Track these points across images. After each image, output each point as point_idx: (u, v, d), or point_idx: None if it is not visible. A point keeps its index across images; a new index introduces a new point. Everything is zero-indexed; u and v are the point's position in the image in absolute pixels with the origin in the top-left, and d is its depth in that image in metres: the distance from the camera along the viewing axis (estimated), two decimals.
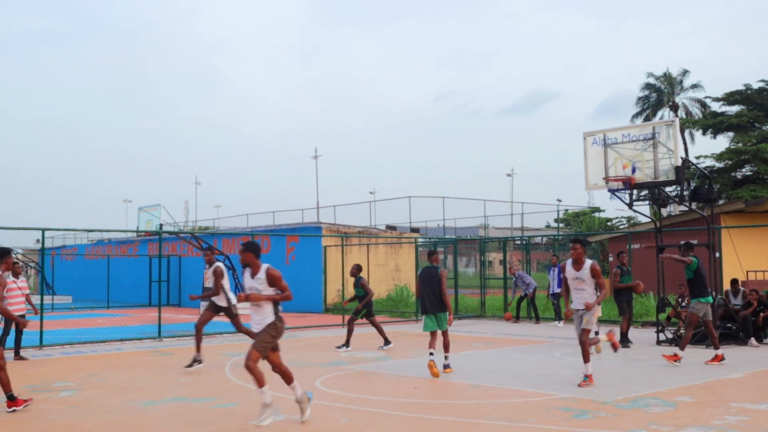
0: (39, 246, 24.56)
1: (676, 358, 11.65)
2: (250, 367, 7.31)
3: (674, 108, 51.99)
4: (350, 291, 27.13)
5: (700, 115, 49.57)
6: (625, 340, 14.47)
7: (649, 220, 19.84)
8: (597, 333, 10.74)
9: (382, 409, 8.19)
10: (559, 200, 63.95)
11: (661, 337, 15.03)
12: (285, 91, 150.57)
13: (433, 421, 7.59)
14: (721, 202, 30.38)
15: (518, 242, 35.41)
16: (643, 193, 15.49)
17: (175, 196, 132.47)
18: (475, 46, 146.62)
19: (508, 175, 63.88)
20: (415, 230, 34.25)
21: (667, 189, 15.88)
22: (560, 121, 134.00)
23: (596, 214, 43.69)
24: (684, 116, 50.80)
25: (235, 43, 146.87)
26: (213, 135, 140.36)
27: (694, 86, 52.20)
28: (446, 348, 11.08)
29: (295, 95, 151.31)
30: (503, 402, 8.59)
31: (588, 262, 9.86)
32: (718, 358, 11.73)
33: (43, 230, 16.62)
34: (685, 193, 15.31)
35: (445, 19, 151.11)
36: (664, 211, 20.52)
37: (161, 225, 29.16)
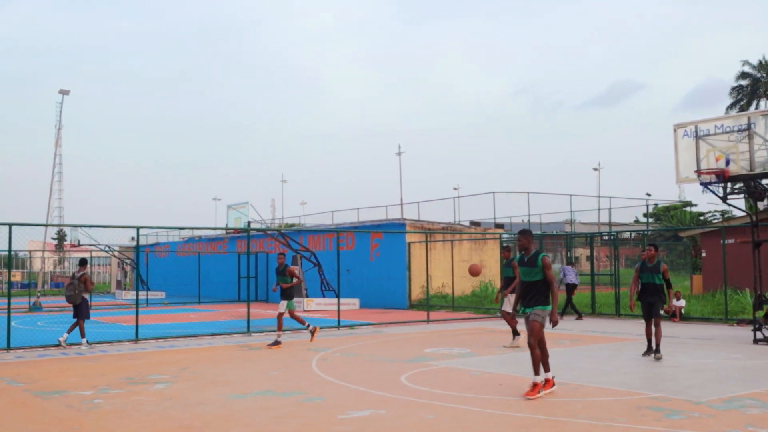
0: (134, 243, 25.47)
1: None
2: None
3: None
4: (434, 287, 27.20)
5: None
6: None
7: (744, 213, 19.04)
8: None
9: (468, 406, 8.15)
10: (648, 194, 61.95)
11: (758, 335, 14.43)
12: (368, 88, 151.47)
13: (519, 419, 7.50)
14: None
15: (605, 237, 34.62)
16: (738, 185, 14.88)
17: (263, 194, 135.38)
18: (555, 38, 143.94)
19: (595, 169, 62.34)
20: (499, 226, 33.91)
21: (764, 181, 15.25)
22: (646, 113, 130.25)
23: (688, 209, 42.29)
24: None
25: (318, 42, 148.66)
26: (298, 133, 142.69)
27: None
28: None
29: (378, 92, 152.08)
30: (592, 400, 8.42)
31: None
32: None
33: (138, 228, 17.23)
34: None
35: (524, 12, 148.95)
36: (761, 205, 19.64)
37: (249, 222, 29.84)
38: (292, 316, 14.83)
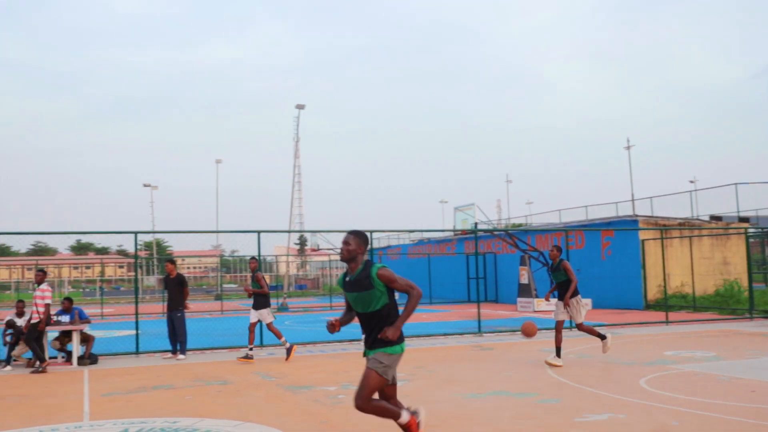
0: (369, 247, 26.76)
1: None
2: None
3: None
4: (672, 286, 25.73)
5: None
6: None
7: None
8: None
9: (717, 413, 7.64)
10: None
11: None
12: (591, 82, 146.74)
13: None
14: None
15: None
16: None
17: (488, 195, 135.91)
18: None
19: None
20: (744, 220, 31.33)
21: None
22: None
23: None
24: None
25: (539, 39, 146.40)
26: (523, 132, 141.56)
27: None
28: None
29: (602, 85, 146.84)
30: None
31: None
32: None
33: (371, 232, 18.07)
34: None
35: None
36: None
37: (476, 224, 30.08)
38: (270, 328, 13.89)
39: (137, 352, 14.81)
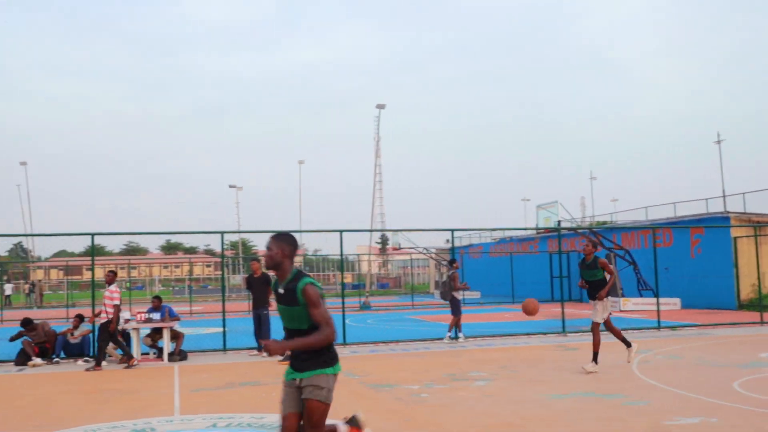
0: (449, 245, 26.57)
1: None
2: None
3: None
4: (766, 285, 24.69)
5: None
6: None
7: None
8: None
9: None
10: None
11: None
12: (678, 74, 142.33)
13: None
14: None
15: None
16: None
17: (571, 192, 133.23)
18: None
19: None
20: None
21: None
22: None
23: None
24: None
25: (625, 31, 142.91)
26: (608, 128, 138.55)
27: None
28: None
29: (690, 77, 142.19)
30: None
31: None
32: None
33: (452, 231, 18.06)
34: None
35: None
36: None
37: (559, 222, 29.64)
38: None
39: (224, 349, 15.20)
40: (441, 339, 16.32)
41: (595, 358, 11.09)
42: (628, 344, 11.35)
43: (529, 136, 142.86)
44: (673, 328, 18.09)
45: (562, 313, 17.57)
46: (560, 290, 20.61)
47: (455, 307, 16.16)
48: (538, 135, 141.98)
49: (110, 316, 13.23)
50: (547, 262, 34.69)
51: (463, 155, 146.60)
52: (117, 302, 13.35)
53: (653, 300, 22.44)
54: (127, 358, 13.41)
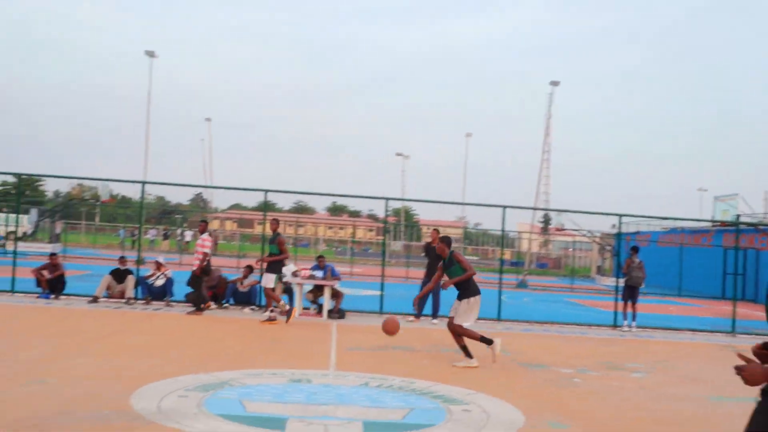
0: (615, 231, 25.76)
1: None
2: None
3: None
4: None
5: None
6: None
7: None
8: None
9: None
10: None
11: None
12: None
13: None
14: None
15: None
16: None
17: (754, 185, 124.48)
18: None
19: None
20: None
21: None
22: None
23: None
24: None
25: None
26: None
27: None
28: None
29: None
30: None
31: None
32: None
33: (620, 216, 17.47)
34: None
35: None
36: None
37: (738, 216, 27.86)
38: (267, 292, 13.49)
39: (381, 312, 15.59)
40: (598, 325, 15.92)
41: (467, 353, 9.82)
42: (488, 342, 9.85)
43: (710, 124, 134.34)
44: None
45: (734, 312, 16.60)
46: (733, 288, 19.43)
47: (636, 295, 16.05)
48: (719, 123, 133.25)
49: (201, 263, 14.11)
50: (721, 258, 32.73)
51: (635, 139, 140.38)
52: (207, 250, 14.28)
53: None
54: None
